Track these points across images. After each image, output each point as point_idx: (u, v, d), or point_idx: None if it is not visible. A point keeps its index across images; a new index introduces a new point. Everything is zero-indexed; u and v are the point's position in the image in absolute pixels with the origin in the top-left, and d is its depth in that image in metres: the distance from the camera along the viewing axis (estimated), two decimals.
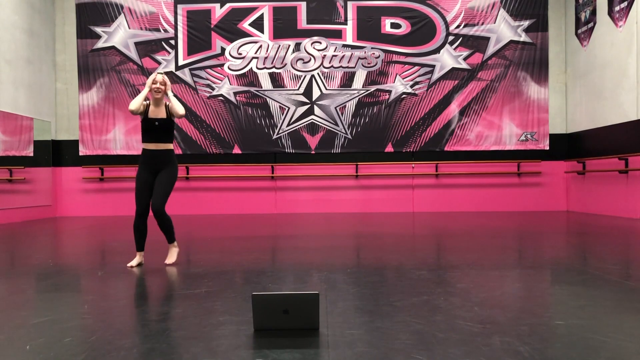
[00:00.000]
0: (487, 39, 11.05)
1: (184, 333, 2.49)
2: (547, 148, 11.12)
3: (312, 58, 11.10)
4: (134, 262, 4.45)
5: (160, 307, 3.10)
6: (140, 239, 4.49)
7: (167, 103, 4.51)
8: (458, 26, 11.06)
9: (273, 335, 2.42)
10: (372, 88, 11.11)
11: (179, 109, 4.45)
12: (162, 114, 4.49)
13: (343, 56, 11.11)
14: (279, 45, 11.10)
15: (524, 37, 11.05)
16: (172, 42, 11.12)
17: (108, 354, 2.19)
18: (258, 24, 11.12)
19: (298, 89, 11.10)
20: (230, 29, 11.12)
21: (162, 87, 4.47)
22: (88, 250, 5.88)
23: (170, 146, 4.53)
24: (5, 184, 9.77)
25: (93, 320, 2.76)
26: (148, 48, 11.12)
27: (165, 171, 4.47)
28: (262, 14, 11.11)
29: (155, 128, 4.45)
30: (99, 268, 4.50)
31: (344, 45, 11.12)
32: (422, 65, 11.10)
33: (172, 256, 4.57)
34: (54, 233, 7.77)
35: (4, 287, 3.73)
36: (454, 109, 11.09)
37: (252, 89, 11.11)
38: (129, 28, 11.11)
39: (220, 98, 11.11)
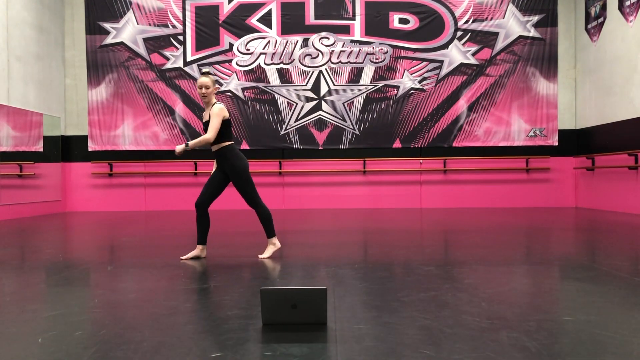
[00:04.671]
0: (496, 34, 10.99)
1: (193, 327, 2.52)
2: (556, 144, 11.06)
3: (320, 54, 11.09)
4: (188, 255, 4.53)
5: (169, 301, 3.12)
6: (200, 231, 4.53)
7: (214, 106, 4.43)
8: (467, 21, 11.01)
9: (281, 329, 2.44)
10: (380, 84, 11.09)
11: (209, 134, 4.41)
12: (207, 116, 4.51)
13: (351, 52, 11.09)
14: (287, 41, 11.10)
15: (533, 33, 10.98)
16: (181, 38, 11.15)
17: (118, 347, 2.22)
18: (266, 20, 11.12)
19: (306, 85, 11.10)
20: (239, 25, 11.13)
21: (206, 90, 4.45)
22: (97, 245, 5.93)
23: (224, 144, 4.45)
24: (16, 179, 9.85)
25: (103, 314, 2.78)
26: (157, 44, 11.16)
27: (229, 175, 4.48)
28: (270, 10, 11.11)
29: (204, 129, 4.55)
30: (108, 263, 4.53)
31: (352, 41, 11.10)
32: (431, 61, 11.06)
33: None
34: (64, 228, 7.83)
35: (16, 281, 3.77)
36: (462, 104, 11.05)
37: (260, 85, 11.12)
38: (138, 24, 11.15)
39: (229, 94, 11.14)
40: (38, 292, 3.46)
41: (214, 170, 4.63)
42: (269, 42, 11.11)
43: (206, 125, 4.49)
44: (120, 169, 11.27)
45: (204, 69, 4.71)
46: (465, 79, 11.04)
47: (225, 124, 4.46)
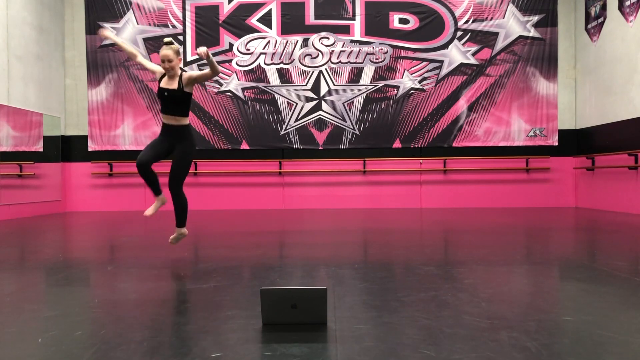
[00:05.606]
0: (496, 34, 10.99)
1: (193, 327, 2.51)
2: (556, 144, 11.06)
3: (320, 54, 11.09)
4: (149, 210, 4.51)
5: (169, 301, 3.12)
6: (151, 184, 4.46)
7: (184, 74, 4.37)
8: (467, 21, 11.01)
9: (281, 329, 2.44)
10: (380, 84, 11.09)
11: (211, 74, 4.27)
12: (173, 85, 4.35)
13: (351, 52, 11.09)
14: (287, 41, 11.10)
15: (533, 33, 10.98)
16: (181, 37, 11.15)
17: (118, 347, 2.22)
18: (266, 20, 11.12)
19: (306, 85, 11.09)
20: (239, 25, 11.13)
21: (169, 64, 4.31)
22: (97, 245, 5.93)
23: (184, 121, 4.38)
24: (15, 179, 9.85)
25: (103, 314, 2.78)
26: (157, 44, 11.14)
27: (179, 150, 4.37)
28: (270, 10, 11.11)
29: (164, 98, 4.36)
30: (108, 262, 4.53)
31: (352, 41, 11.10)
32: (431, 61, 11.06)
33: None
34: (64, 228, 7.83)
35: (15, 281, 3.77)
36: (462, 104, 11.05)
37: (260, 85, 11.12)
38: (138, 24, 11.15)
39: (229, 94, 11.14)
40: (38, 292, 3.46)
41: (159, 136, 4.48)
42: (269, 42, 11.10)
43: (170, 92, 4.32)
44: (120, 169, 11.26)
45: (166, 39, 4.43)
46: (465, 79, 11.04)
47: (190, 98, 4.41)
